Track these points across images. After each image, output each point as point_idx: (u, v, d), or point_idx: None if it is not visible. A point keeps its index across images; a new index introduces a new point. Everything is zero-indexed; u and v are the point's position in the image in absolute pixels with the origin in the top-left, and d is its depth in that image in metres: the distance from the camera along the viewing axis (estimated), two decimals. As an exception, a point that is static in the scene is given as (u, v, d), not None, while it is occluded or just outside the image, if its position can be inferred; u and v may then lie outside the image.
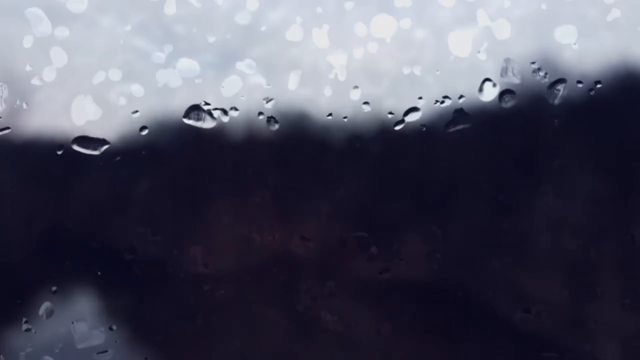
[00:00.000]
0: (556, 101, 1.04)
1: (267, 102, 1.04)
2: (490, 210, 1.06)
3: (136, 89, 1.04)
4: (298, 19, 1.04)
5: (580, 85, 1.04)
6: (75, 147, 1.04)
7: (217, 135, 1.05)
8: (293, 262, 1.05)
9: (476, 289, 1.06)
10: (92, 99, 1.03)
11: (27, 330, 1.04)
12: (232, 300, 1.05)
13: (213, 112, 1.04)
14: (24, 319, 1.04)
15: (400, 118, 1.04)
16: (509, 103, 1.04)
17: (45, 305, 1.04)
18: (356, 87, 1.04)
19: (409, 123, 1.04)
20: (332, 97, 1.04)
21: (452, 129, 1.05)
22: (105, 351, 1.05)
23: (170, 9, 1.05)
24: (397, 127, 1.04)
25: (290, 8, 1.05)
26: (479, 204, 1.06)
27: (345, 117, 1.04)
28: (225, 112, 1.04)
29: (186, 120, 1.04)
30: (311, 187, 1.06)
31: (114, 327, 1.05)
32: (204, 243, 1.05)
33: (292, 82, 1.04)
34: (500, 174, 1.06)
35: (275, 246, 1.04)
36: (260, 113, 1.04)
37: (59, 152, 1.03)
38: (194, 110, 1.04)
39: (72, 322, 1.05)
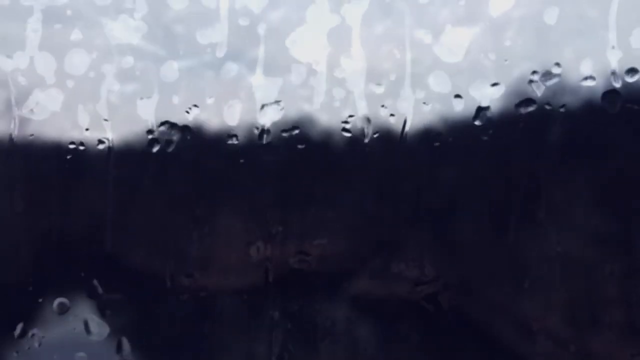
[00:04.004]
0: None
1: (267, 105, 1.01)
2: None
3: (137, 89, 1.02)
4: (300, 19, 1.01)
5: None
6: (76, 150, 1.03)
7: (218, 139, 1.02)
8: (291, 277, 1.02)
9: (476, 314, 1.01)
10: (91, 100, 1.03)
11: (26, 338, 1.03)
12: (229, 314, 1.03)
13: (213, 114, 1.02)
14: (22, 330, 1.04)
15: (405, 123, 1.00)
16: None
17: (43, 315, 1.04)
18: (357, 88, 1.00)
19: (412, 128, 1.00)
20: (332, 98, 1.01)
21: (459, 137, 0.99)
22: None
23: (170, 7, 1.03)
24: (400, 133, 1.00)
25: (291, 8, 1.01)
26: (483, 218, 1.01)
27: (347, 119, 1.00)
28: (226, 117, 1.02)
29: (186, 123, 1.03)
30: (310, 197, 1.02)
31: (112, 336, 1.04)
32: (202, 253, 1.03)
33: (293, 84, 1.01)
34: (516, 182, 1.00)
35: (274, 261, 1.01)
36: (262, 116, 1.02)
37: (60, 155, 1.03)
38: (194, 112, 1.02)
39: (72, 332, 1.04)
